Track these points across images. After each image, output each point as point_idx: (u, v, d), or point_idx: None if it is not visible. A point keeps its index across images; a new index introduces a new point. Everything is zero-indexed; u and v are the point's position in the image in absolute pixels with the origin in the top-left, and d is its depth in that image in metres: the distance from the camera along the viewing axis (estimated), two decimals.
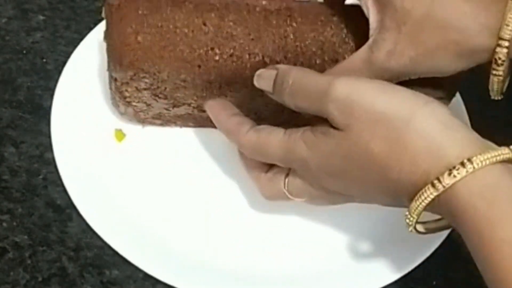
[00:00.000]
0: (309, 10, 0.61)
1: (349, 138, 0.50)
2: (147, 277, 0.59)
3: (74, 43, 0.70)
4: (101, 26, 0.71)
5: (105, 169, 0.63)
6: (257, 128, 0.56)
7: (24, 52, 0.71)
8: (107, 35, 0.59)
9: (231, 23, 0.59)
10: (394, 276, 0.61)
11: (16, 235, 0.61)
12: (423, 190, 0.47)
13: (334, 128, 0.51)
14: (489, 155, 0.46)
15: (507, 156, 0.46)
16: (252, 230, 0.63)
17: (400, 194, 0.49)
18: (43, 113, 0.67)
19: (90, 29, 0.71)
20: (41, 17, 0.73)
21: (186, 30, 0.58)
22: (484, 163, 0.46)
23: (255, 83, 0.55)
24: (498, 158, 0.46)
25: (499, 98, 0.54)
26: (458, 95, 0.71)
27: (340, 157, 0.50)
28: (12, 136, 0.66)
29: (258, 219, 0.63)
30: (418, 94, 0.49)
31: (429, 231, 0.51)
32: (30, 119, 0.67)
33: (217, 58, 0.58)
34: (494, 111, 0.74)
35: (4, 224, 0.61)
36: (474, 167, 0.45)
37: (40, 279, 0.59)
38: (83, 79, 0.68)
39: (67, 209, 0.62)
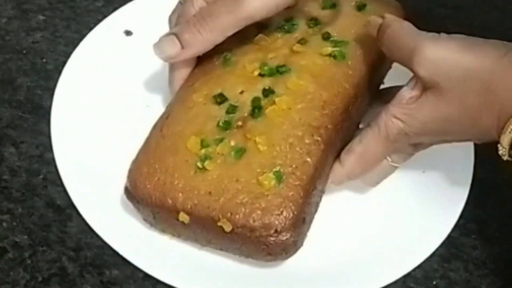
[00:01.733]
0: None
1: (441, 97, 0.54)
2: (147, 277, 0.59)
3: (74, 43, 0.70)
4: (101, 26, 0.71)
5: (105, 170, 0.63)
6: (348, 150, 0.59)
7: (24, 52, 0.71)
8: None
9: None
10: (394, 276, 0.60)
11: (16, 235, 0.61)
12: (509, 123, 0.51)
13: (424, 89, 0.55)
14: None
15: None
16: None
17: (489, 134, 0.54)
18: (43, 113, 0.67)
19: (90, 29, 0.71)
20: (41, 17, 0.73)
21: None
22: None
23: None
24: None
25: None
26: None
27: (436, 118, 0.55)
28: (12, 136, 0.66)
29: None
30: (497, 46, 0.53)
31: None
32: (30, 119, 0.67)
33: None
34: None
35: (4, 224, 0.61)
36: None
37: (40, 279, 0.59)
38: (83, 79, 0.68)
39: (67, 209, 0.62)
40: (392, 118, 0.56)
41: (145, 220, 0.60)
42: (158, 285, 0.59)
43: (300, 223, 0.56)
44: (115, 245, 0.59)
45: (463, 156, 0.67)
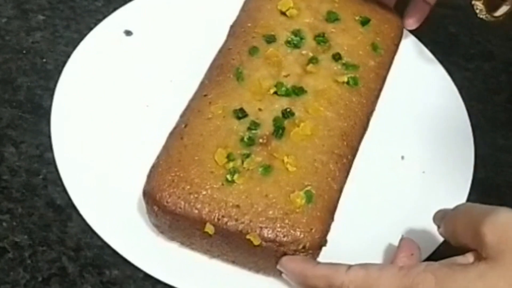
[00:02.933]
0: None
1: (496, 268, 0.50)
2: (147, 277, 0.59)
3: (74, 43, 0.70)
4: (101, 26, 0.71)
5: (105, 169, 0.63)
6: (363, 264, 0.55)
7: (24, 52, 0.71)
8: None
9: None
10: None
11: (16, 235, 0.61)
12: None
13: (479, 259, 0.51)
14: None
15: None
16: None
17: None
18: (43, 113, 0.67)
19: (90, 29, 0.71)
20: (41, 17, 0.73)
21: None
22: None
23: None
24: None
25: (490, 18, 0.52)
26: (458, 95, 0.71)
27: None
28: (12, 136, 0.66)
29: None
30: None
31: None
32: (30, 119, 0.67)
33: None
34: (494, 111, 0.74)
35: (4, 224, 0.61)
36: None
37: (40, 279, 0.59)
38: (83, 79, 0.68)
39: (67, 209, 0.62)
40: (429, 274, 0.52)
41: (155, 225, 0.60)
42: (158, 285, 0.59)
43: (323, 243, 0.58)
44: (115, 245, 0.59)
45: (463, 156, 0.67)
